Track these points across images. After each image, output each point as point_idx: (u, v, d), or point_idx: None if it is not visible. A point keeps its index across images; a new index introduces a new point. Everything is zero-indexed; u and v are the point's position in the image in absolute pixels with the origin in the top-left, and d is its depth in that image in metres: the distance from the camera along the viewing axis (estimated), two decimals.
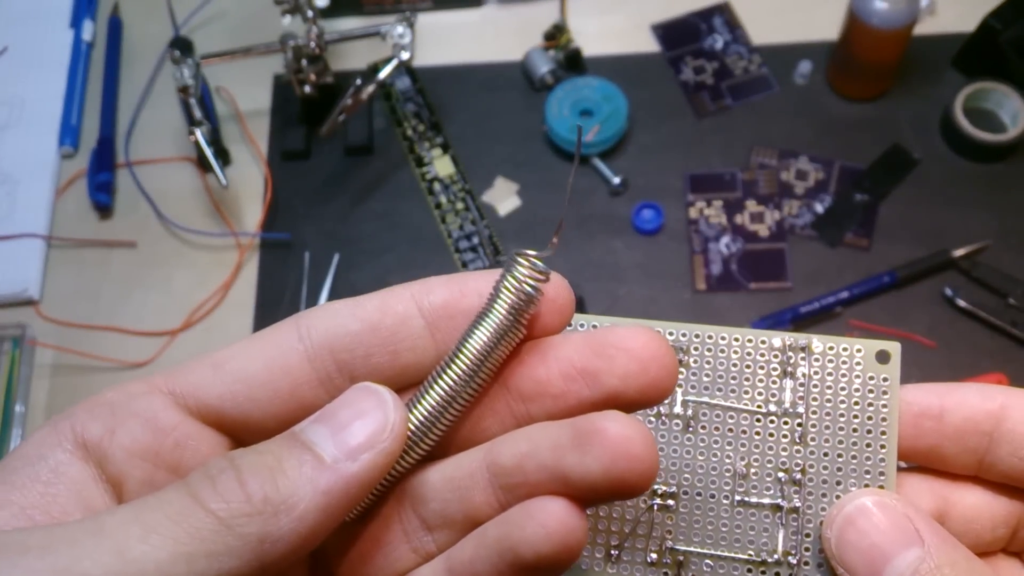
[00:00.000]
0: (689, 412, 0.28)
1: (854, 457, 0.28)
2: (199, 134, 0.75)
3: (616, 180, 0.79)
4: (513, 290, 0.25)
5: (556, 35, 0.85)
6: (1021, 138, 0.77)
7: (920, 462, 0.29)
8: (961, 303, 0.72)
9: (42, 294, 0.79)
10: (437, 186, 0.81)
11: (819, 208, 0.78)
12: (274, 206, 0.81)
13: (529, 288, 0.25)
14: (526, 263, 0.25)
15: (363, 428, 0.23)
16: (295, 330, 0.26)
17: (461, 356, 0.25)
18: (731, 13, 0.87)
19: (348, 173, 0.82)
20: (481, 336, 0.25)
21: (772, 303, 0.74)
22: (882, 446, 0.27)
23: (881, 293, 0.74)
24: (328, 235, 0.80)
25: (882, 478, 0.27)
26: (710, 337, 0.29)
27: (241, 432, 0.26)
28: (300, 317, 0.26)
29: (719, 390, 0.28)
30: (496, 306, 0.25)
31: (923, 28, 0.82)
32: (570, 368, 0.25)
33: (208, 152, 0.75)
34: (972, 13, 0.80)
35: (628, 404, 0.24)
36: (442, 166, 0.82)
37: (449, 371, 0.25)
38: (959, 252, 0.74)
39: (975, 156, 0.78)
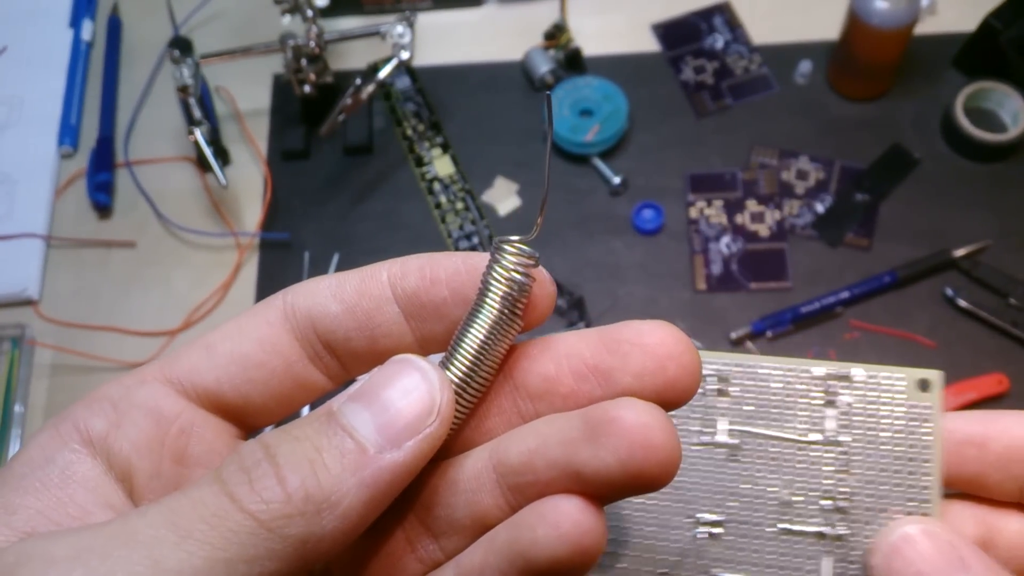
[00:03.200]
0: (734, 441, 0.28)
1: (898, 485, 0.28)
2: (198, 134, 0.75)
3: (616, 180, 0.78)
4: (504, 280, 0.23)
5: (556, 35, 0.85)
6: (1021, 138, 0.76)
7: (964, 490, 0.28)
8: (962, 303, 0.72)
9: (41, 294, 0.79)
10: (437, 186, 0.81)
11: (819, 208, 0.78)
12: (274, 206, 0.81)
13: (520, 276, 0.23)
14: (513, 250, 0.24)
15: (407, 410, 0.22)
16: (281, 307, 0.25)
17: (458, 355, 0.24)
18: (731, 13, 0.87)
19: (348, 173, 0.82)
20: (477, 333, 0.23)
21: (772, 303, 0.74)
22: (926, 474, 0.27)
23: (882, 293, 0.74)
24: (328, 235, 0.80)
25: (926, 506, 0.27)
26: (752, 367, 0.28)
27: (243, 414, 0.25)
28: (287, 293, 0.25)
29: (762, 419, 0.28)
30: (487, 299, 0.23)
31: (923, 28, 0.82)
32: (581, 365, 0.23)
33: (207, 152, 0.74)
34: (972, 13, 0.79)
35: None
36: (442, 166, 0.82)
37: (448, 371, 0.24)
38: (960, 252, 0.74)
39: (976, 156, 0.78)
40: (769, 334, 0.72)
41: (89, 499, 0.22)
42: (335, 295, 0.25)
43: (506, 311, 0.23)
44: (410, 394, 0.22)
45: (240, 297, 0.78)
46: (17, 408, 0.73)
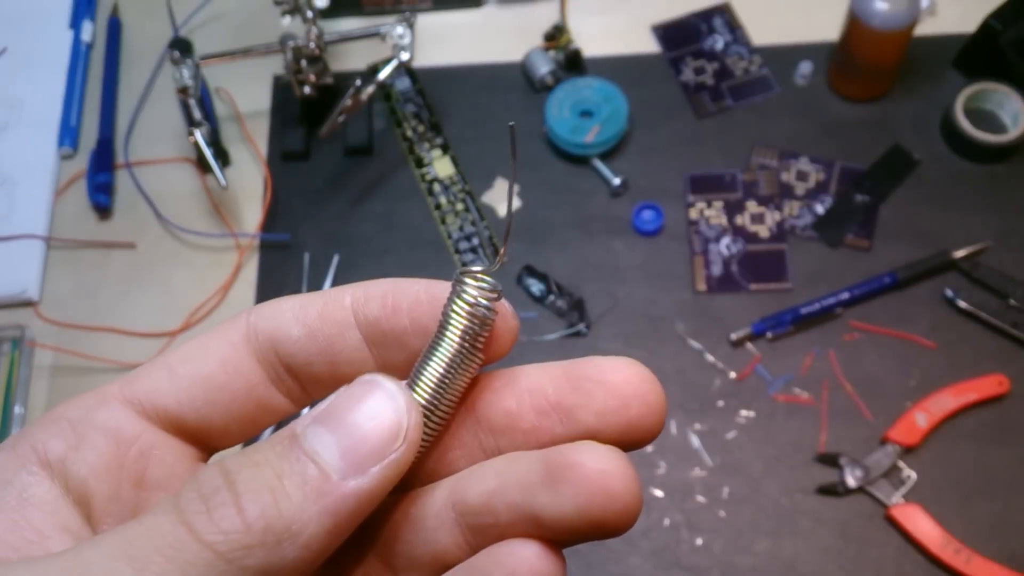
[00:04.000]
0: None
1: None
2: (198, 135, 0.74)
3: (616, 181, 0.78)
4: (465, 314, 0.23)
5: (556, 35, 0.85)
6: (1022, 139, 0.76)
7: None
8: (962, 304, 0.72)
9: (41, 295, 0.79)
10: (437, 187, 0.81)
11: (820, 209, 0.78)
12: (274, 207, 0.81)
13: (483, 310, 0.23)
14: (474, 282, 0.23)
15: (374, 434, 0.21)
16: (244, 328, 0.25)
17: (418, 387, 0.23)
18: (731, 14, 0.87)
19: (348, 174, 0.82)
20: (436, 366, 0.23)
21: (772, 304, 0.74)
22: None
23: (882, 294, 0.74)
24: (328, 236, 0.80)
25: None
26: None
27: (204, 436, 0.25)
28: (251, 312, 0.25)
29: None
30: (448, 332, 0.23)
31: (924, 29, 0.82)
32: (543, 401, 0.23)
33: (207, 153, 0.74)
34: (973, 14, 0.79)
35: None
36: (442, 167, 0.82)
37: None
38: (960, 253, 0.74)
39: (976, 157, 0.78)
40: (769, 335, 0.72)
41: (47, 522, 0.22)
42: (297, 318, 0.24)
43: (466, 344, 0.23)
44: (376, 417, 0.21)
45: (240, 298, 0.78)
46: (17, 409, 0.73)
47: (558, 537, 0.21)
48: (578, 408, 0.22)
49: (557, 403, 0.23)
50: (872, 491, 0.67)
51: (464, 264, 0.22)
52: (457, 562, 0.23)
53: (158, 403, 0.24)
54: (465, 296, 0.23)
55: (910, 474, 0.67)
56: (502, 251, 0.24)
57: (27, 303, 0.78)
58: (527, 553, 0.21)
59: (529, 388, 0.23)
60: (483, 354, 0.23)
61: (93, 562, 0.19)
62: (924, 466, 0.68)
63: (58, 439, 0.23)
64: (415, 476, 0.24)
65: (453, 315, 0.23)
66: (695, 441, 0.70)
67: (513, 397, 0.23)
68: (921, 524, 0.65)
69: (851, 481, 0.67)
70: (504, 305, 0.24)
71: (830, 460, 0.68)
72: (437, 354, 0.23)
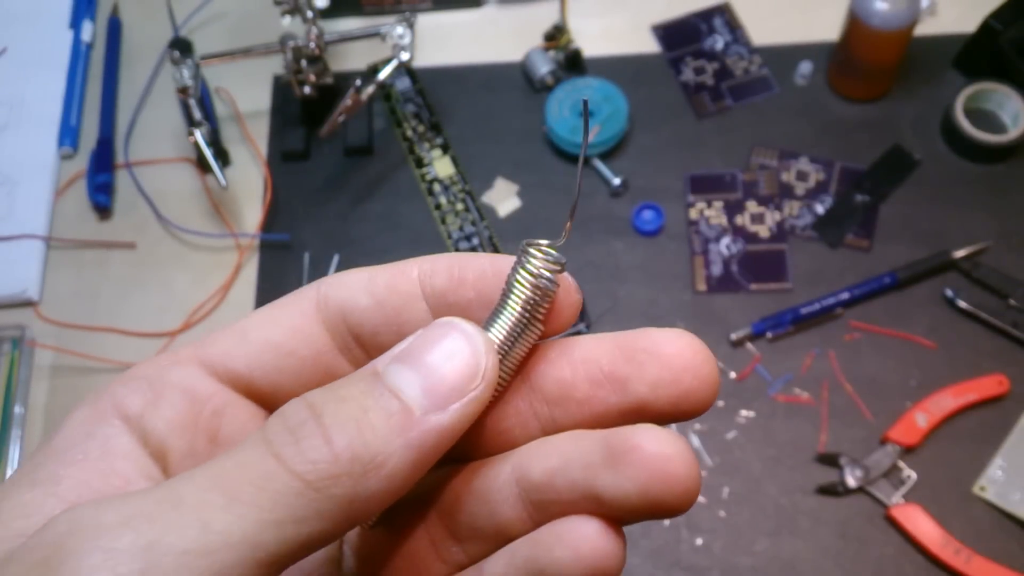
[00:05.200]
0: None
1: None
2: (198, 135, 0.74)
3: (616, 181, 0.78)
4: (529, 284, 0.23)
5: (556, 35, 0.85)
6: (1022, 139, 0.76)
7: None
8: (962, 304, 0.72)
9: (41, 295, 0.79)
10: (437, 187, 0.81)
11: (820, 209, 0.78)
12: (274, 207, 0.81)
13: (545, 281, 0.23)
14: (540, 254, 0.23)
15: (453, 373, 0.22)
16: (315, 298, 0.25)
17: None
18: (731, 14, 0.87)
19: (348, 174, 0.82)
20: (497, 334, 0.23)
21: (772, 304, 0.74)
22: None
23: (882, 294, 0.74)
24: (328, 236, 0.80)
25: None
26: None
27: (272, 400, 0.25)
28: (321, 283, 0.26)
29: None
30: (510, 301, 0.23)
31: (924, 29, 0.82)
32: (597, 372, 0.23)
33: (207, 153, 0.74)
34: (973, 14, 0.79)
35: (659, 415, 0.23)
36: (442, 167, 0.82)
37: None
38: (960, 253, 0.74)
39: (976, 157, 0.78)
40: (769, 335, 0.72)
41: (131, 470, 0.23)
42: (367, 289, 0.25)
43: (527, 314, 0.23)
44: (455, 357, 0.22)
45: (240, 298, 0.78)
46: (17, 409, 0.73)
47: (618, 516, 0.22)
48: (631, 379, 0.23)
49: (610, 373, 0.23)
50: (872, 491, 0.67)
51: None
52: (519, 535, 0.23)
53: (230, 366, 0.25)
54: (529, 267, 0.23)
55: (910, 474, 0.67)
56: (568, 225, 0.25)
57: (27, 303, 0.78)
58: (588, 530, 0.21)
59: (583, 358, 0.23)
60: (543, 325, 0.24)
61: (186, 494, 0.19)
62: (924, 466, 0.68)
63: (136, 396, 0.24)
64: (473, 445, 0.25)
65: (516, 285, 0.23)
66: (695, 441, 0.70)
67: (567, 367, 0.24)
68: (921, 524, 0.65)
69: (851, 481, 0.67)
70: (567, 278, 0.24)
71: (830, 460, 0.68)
72: (499, 322, 0.23)
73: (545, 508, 0.23)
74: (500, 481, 0.24)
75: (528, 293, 0.23)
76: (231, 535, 0.19)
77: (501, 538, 0.24)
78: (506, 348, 0.23)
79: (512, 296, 0.23)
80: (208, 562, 0.19)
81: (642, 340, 0.23)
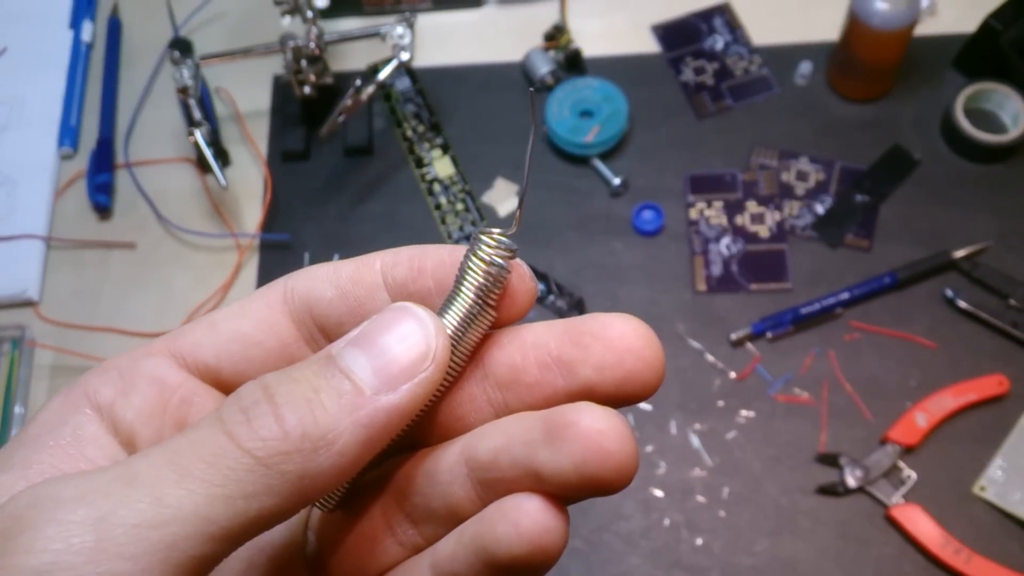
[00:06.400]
0: None
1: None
2: (198, 135, 0.74)
3: (616, 181, 0.78)
4: (480, 270, 0.24)
5: (556, 35, 0.85)
6: (1022, 139, 0.76)
7: None
8: (962, 304, 0.72)
9: (41, 295, 0.79)
10: (437, 187, 0.81)
11: (820, 209, 0.78)
12: (274, 207, 0.81)
13: (496, 267, 0.24)
14: (491, 240, 0.24)
15: (404, 355, 0.22)
16: (282, 291, 0.26)
17: None
18: (731, 14, 0.87)
19: (348, 174, 0.82)
20: (450, 319, 0.24)
21: (772, 304, 0.74)
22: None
23: (882, 294, 0.74)
24: (328, 236, 0.80)
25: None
26: None
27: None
28: (288, 278, 0.26)
29: None
30: (463, 287, 0.24)
31: (924, 29, 0.82)
32: (546, 355, 0.24)
33: (207, 153, 0.74)
34: (973, 14, 0.79)
35: (605, 398, 0.23)
36: (442, 167, 0.82)
37: None
38: (960, 253, 0.74)
39: (976, 157, 0.78)
40: (769, 335, 0.72)
41: (99, 455, 0.24)
42: (331, 281, 0.26)
43: (479, 300, 0.24)
44: (406, 339, 0.23)
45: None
46: (17, 409, 0.73)
47: (559, 493, 0.22)
48: (577, 362, 0.23)
49: (558, 357, 0.23)
50: (872, 491, 0.67)
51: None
52: (470, 515, 0.24)
53: (199, 357, 0.26)
54: (480, 253, 0.24)
55: (910, 474, 0.67)
56: (518, 215, 0.26)
57: (27, 303, 0.78)
58: (530, 506, 0.22)
59: (533, 343, 0.24)
60: (495, 311, 0.24)
61: (140, 471, 0.20)
62: (924, 466, 0.68)
63: (108, 386, 0.25)
64: (430, 431, 0.25)
65: (468, 270, 0.24)
66: (695, 441, 0.70)
67: (518, 352, 0.24)
68: (921, 524, 0.65)
69: (851, 481, 0.67)
70: (519, 264, 0.25)
71: (830, 460, 0.68)
72: (452, 308, 0.24)
73: (492, 487, 0.23)
74: (450, 462, 0.24)
75: (479, 279, 0.24)
76: (182, 509, 0.20)
77: (453, 519, 0.24)
78: (459, 333, 0.24)
79: (464, 282, 0.24)
80: (160, 535, 0.19)
81: (589, 324, 0.23)
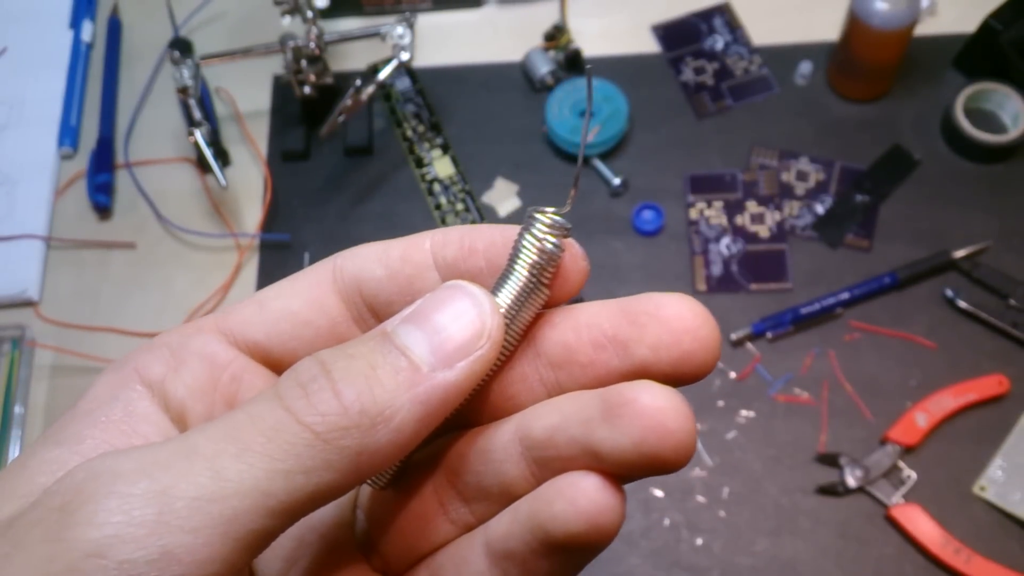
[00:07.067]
0: None
1: None
2: (198, 135, 0.74)
3: (616, 181, 0.78)
4: (534, 249, 0.24)
5: (556, 35, 0.85)
6: (1022, 139, 0.76)
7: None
8: (962, 304, 0.72)
9: (41, 295, 0.79)
10: (437, 187, 0.81)
11: (820, 209, 0.78)
12: (274, 207, 0.81)
13: (550, 245, 0.24)
14: (546, 219, 0.24)
15: (459, 333, 0.22)
16: (331, 270, 0.26)
17: None
18: (731, 14, 0.87)
19: (348, 174, 0.82)
20: (503, 298, 0.24)
21: (772, 304, 0.74)
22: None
23: (882, 294, 0.74)
24: (328, 236, 0.80)
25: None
26: None
27: (288, 367, 0.25)
28: (337, 257, 0.26)
29: None
30: (517, 265, 0.24)
31: (924, 29, 0.82)
32: (600, 335, 0.23)
33: (207, 153, 0.74)
34: (973, 14, 0.79)
35: (661, 378, 0.23)
36: (442, 167, 0.82)
37: None
38: (960, 253, 0.74)
39: (976, 157, 0.78)
40: (769, 335, 0.72)
41: (151, 431, 0.24)
42: (381, 260, 0.26)
43: (533, 279, 0.24)
44: (461, 318, 0.23)
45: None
46: (17, 409, 0.73)
47: (617, 471, 0.22)
48: (633, 341, 0.23)
49: (613, 336, 0.23)
50: (872, 491, 0.67)
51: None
52: (524, 493, 0.24)
53: (248, 335, 0.26)
54: (534, 231, 0.24)
55: (910, 474, 0.67)
56: (572, 192, 0.25)
57: (27, 303, 0.78)
58: (586, 484, 0.22)
59: (587, 322, 0.24)
60: (548, 289, 0.24)
61: (200, 444, 0.20)
62: (924, 466, 0.68)
63: (158, 362, 0.25)
64: (482, 410, 0.25)
65: (522, 250, 0.24)
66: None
67: (571, 331, 0.24)
68: (921, 524, 0.65)
69: (851, 481, 0.67)
70: (572, 243, 0.24)
71: (830, 460, 0.68)
72: (505, 287, 0.24)
73: (547, 465, 0.23)
74: (504, 440, 0.24)
75: (533, 258, 0.24)
76: (242, 483, 0.20)
77: (506, 497, 0.24)
78: (512, 312, 0.24)
79: (518, 261, 0.24)
80: (220, 508, 0.19)
81: (644, 303, 0.23)
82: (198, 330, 0.26)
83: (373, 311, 0.26)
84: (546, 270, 0.24)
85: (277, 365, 0.26)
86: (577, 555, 0.23)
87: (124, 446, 0.23)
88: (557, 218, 0.24)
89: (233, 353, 0.26)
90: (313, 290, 0.26)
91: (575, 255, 0.25)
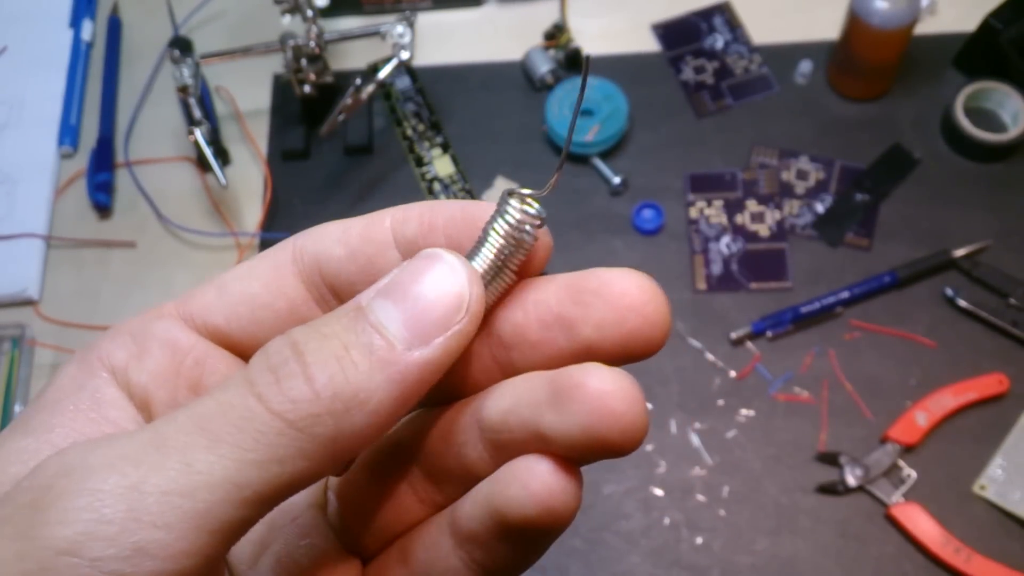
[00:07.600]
0: None
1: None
2: (198, 134, 0.74)
3: (616, 180, 0.78)
4: (509, 235, 0.23)
5: (556, 35, 0.85)
6: (1022, 138, 0.76)
7: None
8: (962, 303, 0.72)
9: (41, 294, 0.79)
10: (437, 186, 0.81)
11: (820, 208, 0.78)
12: (274, 206, 0.81)
13: (527, 236, 0.23)
14: (525, 207, 0.23)
15: (437, 305, 0.22)
16: (291, 251, 0.26)
17: None
18: (731, 13, 0.87)
19: (348, 173, 0.82)
20: None
21: (772, 303, 0.74)
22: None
23: (882, 293, 0.74)
24: None
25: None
26: None
27: (251, 351, 0.25)
28: (297, 237, 0.26)
29: None
30: (485, 249, 0.23)
31: (924, 28, 0.82)
32: (547, 314, 0.23)
33: (207, 152, 0.74)
34: (973, 13, 0.79)
35: (608, 357, 0.22)
36: (442, 166, 0.82)
37: None
38: (960, 252, 0.74)
39: (976, 156, 0.78)
40: (769, 334, 0.72)
41: (119, 415, 0.24)
42: (340, 240, 0.25)
43: (502, 263, 0.23)
44: (439, 288, 0.22)
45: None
46: (17, 408, 0.73)
47: (568, 455, 0.21)
48: (578, 321, 0.22)
49: (559, 315, 0.23)
50: (872, 490, 0.67)
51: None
52: (485, 475, 0.23)
53: (209, 319, 0.25)
54: (508, 217, 0.23)
55: (910, 473, 0.67)
56: (554, 179, 0.24)
57: (27, 302, 0.78)
58: (540, 468, 0.21)
59: (535, 300, 0.23)
60: (515, 276, 0.23)
61: (169, 436, 0.20)
62: (924, 465, 0.68)
63: (121, 349, 0.25)
64: (442, 390, 0.24)
65: (493, 232, 0.23)
66: (695, 440, 0.70)
67: (520, 310, 0.23)
68: (921, 523, 0.65)
69: (851, 480, 0.67)
70: (544, 233, 0.24)
71: (830, 459, 0.68)
72: (474, 265, 0.23)
73: (503, 448, 0.23)
74: (464, 423, 0.24)
75: (503, 242, 0.23)
76: (213, 475, 0.19)
77: (470, 479, 0.24)
78: None
79: (487, 243, 0.23)
80: (191, 502, 0.19)
81: (589, 280, 0.22)
82: (159, 316, 0.25)
83: (335, 292, 0.25)
84: (515, 257, 0.23)
85: (239, 349, 0.26)
86: (535, 538, 0.22)
87: (94, 434, 0.23)
88: (533, 205, 0.23)
89: (195, 338, 0.25)
90: (272, 272, 0.25)
91: (546, 243, 0.24)
